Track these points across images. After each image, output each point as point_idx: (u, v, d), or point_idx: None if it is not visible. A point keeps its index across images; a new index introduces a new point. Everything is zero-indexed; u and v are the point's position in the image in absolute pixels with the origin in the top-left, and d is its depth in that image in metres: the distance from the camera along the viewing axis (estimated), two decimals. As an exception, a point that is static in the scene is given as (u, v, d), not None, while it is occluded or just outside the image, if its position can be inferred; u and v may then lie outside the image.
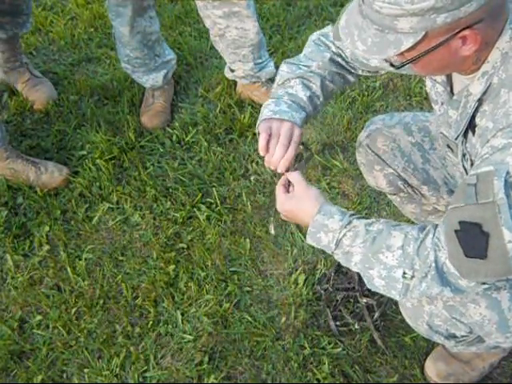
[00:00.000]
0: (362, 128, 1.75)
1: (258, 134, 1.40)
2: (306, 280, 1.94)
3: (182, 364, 1.80)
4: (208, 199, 2.21)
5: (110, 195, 2.25)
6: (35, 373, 1.80)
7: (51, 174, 2.26)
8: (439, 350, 1.73)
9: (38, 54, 2.91)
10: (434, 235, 1.13)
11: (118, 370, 1.79)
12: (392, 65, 1.16)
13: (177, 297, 1.94)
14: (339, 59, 1.48)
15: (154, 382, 1.77)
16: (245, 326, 1.86)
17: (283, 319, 1.87)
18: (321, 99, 1.46)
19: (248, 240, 2.08)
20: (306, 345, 1.80)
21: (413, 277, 1.13)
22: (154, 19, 2.36)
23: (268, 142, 1.35)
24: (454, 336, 1.42)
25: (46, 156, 2.39)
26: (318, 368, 1.75)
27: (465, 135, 1.22)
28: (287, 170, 1.35)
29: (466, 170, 1.31)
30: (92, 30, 3.02)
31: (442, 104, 1.32)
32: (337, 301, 1.89)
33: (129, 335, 1.87)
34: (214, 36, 2.42)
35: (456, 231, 1.05)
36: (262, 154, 1.36)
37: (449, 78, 1.28)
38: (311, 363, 1.77)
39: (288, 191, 1.34)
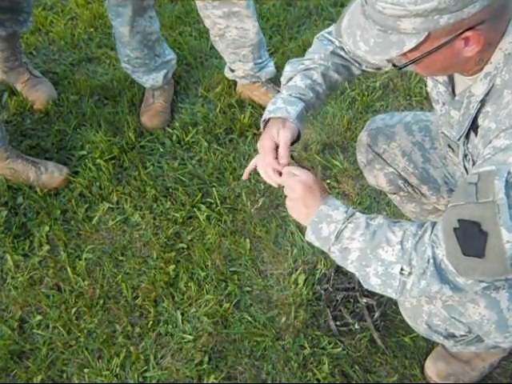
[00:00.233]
0: (362, 128, 1.75)
1: (263, 129, 1.42)
2: (306, 280, 1.94)
3: (181, 364, 1.80)
4: (208, 199, 2.21)
5: (110, 195, 2.25)
6: (35, 373, 1.80)
7: (51, 174, 2.26)
8: (439, 349, 1.73)
9: (38, 54, 2.91)
10: (432, 232, 1.13)
11: (118, 369, 1.79)
12: (394, 65, 1.16)
13: (177, 297, 1.94)
14: (342, 52, 1.48)
15: (153, 381, 1.77)
16: (245, 326, 1.86)
17: (283, 319, 1.87)
18: (323, 87, 1.45)
19: (248, 240, 2.08)
20: (306, 345, 1.80)
21: (410, 273, 1.13)
22: (153, 19, 2.36)
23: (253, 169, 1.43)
24: (453, 335, 1.42)
25: (46, 156, 2.39)
26: (318, 368, 1.75)
27: (467, 136, 1.22)
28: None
29: (466, 170, 1.31)
30: (92, 30, 3.02)
31: (444, 104, 1.32)
32: (337, 301, 1.89)
33: (129, 335, 1.87)
34: (213, 36, 2.42)
35: (455, 229, 1.05)
36: (244, 177, 1.46)
37: (450, 78, 1.27)
38: (311, 363, 1.77)
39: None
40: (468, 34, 1.03)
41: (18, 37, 2.57)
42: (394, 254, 1.15)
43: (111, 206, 2.22)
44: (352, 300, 1.89)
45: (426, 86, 1.35)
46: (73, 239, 2.14)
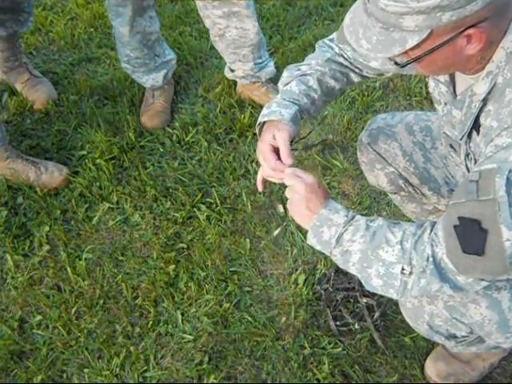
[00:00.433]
0: (362, 128, 1.75)
1: (259, 134, 1.42)
2: (306, 280, 1.94)
3: (182, 364, 1.80)
4: (208, 199, 2.21)
5: (110, 195, 2.25)
6: (35, 373, 1.80)
7: (51, 174, 2.26)
8: (439, 349, 1.73)
9: (38, 54, 2.91)
10: (431, 231, 1.13)
11: (118, 369, 1.79)
12: (396, 63, 1.16)
13: (177, 297, 1.94)
14: (341, 59, 1.48)
15: (153, 381, 1.77)
16: (245, 326, 1.86)
17: (283, 319, 1.87)
18: (318, 93, 1.45)
19: (248, 240, 2.08)
20: (306, 345, 1.80)
21: (411, 273, 1.13)
22: (153, 19, 2.36)
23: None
24: (454, 336, 1.42)
25: (46, 156, 2.39)
26: (318, 368, 1.75)
27: (469, 135, 1.22)
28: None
29: (468, 169, 1.31)
30: (92, 30, 3.02)
31: (446, 104, 1.32)
32: (337, 301, 1.89)
33: (129, 335, 1.87)
34: (213, 36, 2.42)
35: (455, 226, 1.05)
36: (259, 188, 1.44)
37: (451, 77, 1.27)
38: (311, 363, 1.77)
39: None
40: (470, 31, 1.03)
41: (18, 37, 2.57)
42: (394, 255, 1.15)
43: (111, 206, 2.22)
44: (352, 300, 1.89)
45: (426, 86, 1.36)
46: (73, 239, 2.14)
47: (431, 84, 1.37)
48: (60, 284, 2.01)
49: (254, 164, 2.31)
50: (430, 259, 1.11)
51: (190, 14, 3.03)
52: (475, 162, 1.23)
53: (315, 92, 1.45)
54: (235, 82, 2.61)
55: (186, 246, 2.08)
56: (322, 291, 1.90)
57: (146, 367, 1.80)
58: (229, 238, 2.09)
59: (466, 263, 1.06)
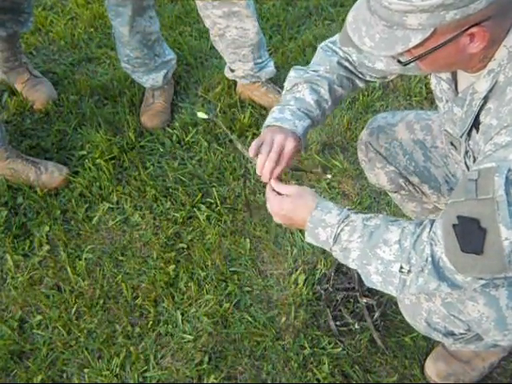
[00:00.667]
0: (362, 128, 1.75)
1: None
2: (306, 280, 1.94)
3: (182, 364, 1.80)
4: (208, 199, 2.21)
5: (110, 195, 2.25)
6: (35, 373, 1.80)
7: (51, 174, 2.26)
8: (439, 349, 1.72)
9: (38, 54, 2.91)
10: (430, 230, 1.13)
11: (118, 369, 1.79)
12: (399, 61, 1.16)
13: (177, 297, 1.94)
14: (347, 63, 1.49)
15: (153, 382, 1.77)
16: (245, 326, 1.86)
17: (283, 319, 1.87)
18: (329, 103, 1.46)
19: (248, 240, 2.08)
20: (306, 345, 1.80)
21: (409, 271, 1.13)
22: (153, 19, 2.36)
23: (259, 146, 1.36)
24: (452, 333, 1.42)
25: (46, 156, 2.39)
26: (318, 368, 1.75)
27: (468, 133, 1.22)
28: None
29: (468, 167, 1.31)
30: (92, 30, 3.02)
31: (447, 101, 1.33)
32: (337, 301, 1.89)
33: (129, 335, 1.87)
34: (213, 36, 2.42)
35: (454, 225, 1.05)
36: (250, 154, 1.37)
37: (453, 75, 1.28)
38: (311, 363, 1.77)
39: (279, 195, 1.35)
40: (473, 30, 1.03)
41: (18, 37, 2.57)
42: (391, 254, 1.15)
43: (111, 205, 2.22)
44: (352, 300, 1.89)
45: (426, 86, 1.36)
46: (73, 239, 2.14)
47: (433, 81, 1.37)
48: (60, 284, 2.01)
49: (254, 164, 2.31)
50: (429, 259, 1.11)
51: (190, 14, 3.03)
52: (474, 160, 1.23)
53: (326, 102, 1.46)
54: (235, 82, 2.61)
55: (185, 246, 2.08)
56: (322, 291, 1.90)
57: (146, 367, 1.80)
58: (229, 237, 2.09)
59: (464, 262, 1.06)
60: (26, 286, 2.00)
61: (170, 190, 2.26)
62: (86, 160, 2.35)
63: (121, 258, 2.07)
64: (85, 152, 2.39)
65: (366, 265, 1.19)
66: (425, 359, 1.74)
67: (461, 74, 1.25)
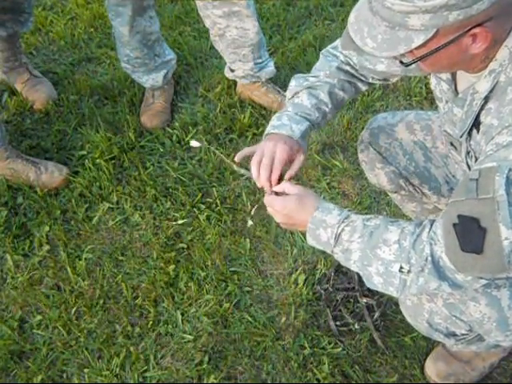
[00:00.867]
0: (362, 128, 1.75)
1: None
2: (306, 280, 1.94)
3: (182, 364, 1.80)
4: (208, 199, 2.21)
5: (110, 195, 2.25)
6: (35, 373, 1.80)
7: (51, 174, 2.26)
8: (439, 349, 1.72)
9: (38, 54, 2.91)
10: (430, 229, 1.13)
11: (118, 369, 1.79)
12: (401, 62, 1.16)
13: (177, 297, 1.94)
14: (348, 67, 1.49)
15: (153, 382, 1.77)
16: (245, 326, 1.86)
17: (283, 319, 1.87)
18: (329, 106, 1.47)
19: (248, 240, 2.08)
20: (306, 345, 1.80)
21: (409, 271, 1.13)
22: (153, 19, 2.36)
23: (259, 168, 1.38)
24: (453, 334, 1.42)
25: (46, 156, 2.39)
26: (318, 368, 1.75)
27: (469, 133, 1.22)
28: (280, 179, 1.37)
29: (469, 167, 1.31)
30: (92, 30, 3.02)
31: (447, 102, 1.33)
32: (337, 301, 1.89)
33: (129, 335, 1.87)
34: (213, 36, 2.42)
35: (454, 225, 1.05)
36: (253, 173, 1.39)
37: (453, 76, 1.28)
38: (311, 363, 1.77)
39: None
40: (476, 30, 1.03)
41: (19, 37, 2.57)
42: (391, 254, 1.15)
43: (111, 206, 2.22)
44: (352, 300, 1.89)
45: (426, 86, 1.36)
46: (73, 239, 2.14)
47: (433, 81, 1.37)
48: (60, 284, 2.01)
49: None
50: (429, 258, 1.11)
51: (190, 14, 3.03)
52: (476, 160, 1.23)
53: (326, 105, 1.46)
54: (235, 82, 2.61)
55: (185, 246, 2.08)
56: (322, 291, 1.90)
57: (146, 367, 1.80)
58: (229, 237, 2.09)
59: (464, 261, 1.06)
60: (25, 286, 2.00)
61: (170, 189, 2.26)
62: (86, 160, 2.35)
63: (121, 258, 2.07)
64: (85, 152, 2.39)
65: (367, 266, 1.19)
66: (425, 359, 1.74)
67: (460, 75, 1.25)
